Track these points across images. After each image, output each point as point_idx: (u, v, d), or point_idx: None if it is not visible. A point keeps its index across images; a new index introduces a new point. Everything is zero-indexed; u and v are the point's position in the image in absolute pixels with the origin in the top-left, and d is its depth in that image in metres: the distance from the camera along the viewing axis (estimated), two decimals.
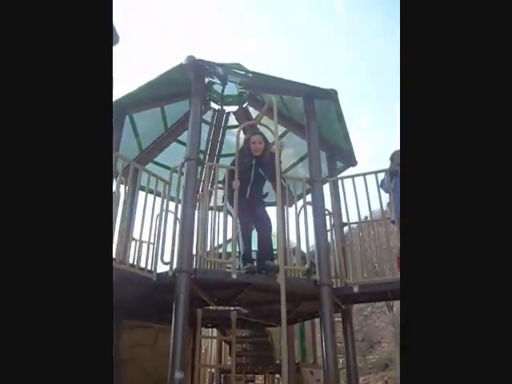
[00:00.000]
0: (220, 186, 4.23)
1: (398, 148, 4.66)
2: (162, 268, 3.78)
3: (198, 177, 5.03)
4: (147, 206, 3.94)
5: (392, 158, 4.66)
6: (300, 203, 4.26)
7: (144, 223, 3.86)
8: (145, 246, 4.19)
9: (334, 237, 4.46)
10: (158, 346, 4.27)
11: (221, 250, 4.53)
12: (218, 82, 5.33)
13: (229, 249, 4.14)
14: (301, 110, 4.78)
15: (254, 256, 4.13)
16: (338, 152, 5.50)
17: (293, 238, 4.26)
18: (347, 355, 4.66)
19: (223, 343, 6.79)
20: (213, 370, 6.76)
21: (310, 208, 4.18)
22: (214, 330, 6.26)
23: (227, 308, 4.92)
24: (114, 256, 3.24)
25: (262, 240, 4.10)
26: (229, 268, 4.16)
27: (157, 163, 6.00)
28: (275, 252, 4.24)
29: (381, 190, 4.27)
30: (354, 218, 4.37)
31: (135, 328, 4.20)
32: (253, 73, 4.49)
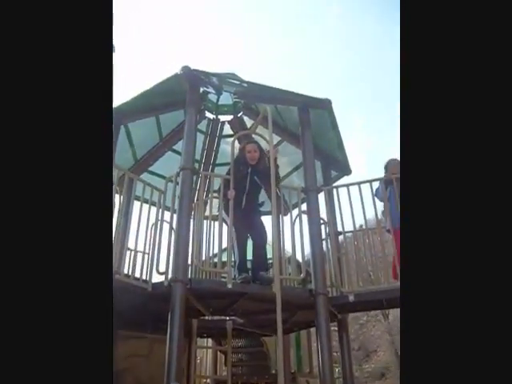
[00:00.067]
0: (215, 195, 4.23)
1: (393, 157, 4.71)
2: (157, 278, 3.77)
3: (193, 186, 5.02)
4: (142, 215, 3.93)
5: (386, 167, 4.69)
6: (295, 212, 4.27)
7: (139, 233, 3.85)
8: (140, 255, 4.17)
9: (329, 246, 4.46)
10: (153, 356, 4.23)
11: (216, 260, 4.52)
12: (213, 91, 5.35)
13: (224, 258, 4.14)
14: (295, 119, 4.80)
15: (249, 265, 4.12)
16: (332, 161, 5.53)
17: (288, 247, 4.27)
18: (343, 364, 4.65)
19: (219, 353, 6.74)
20: (208, 380, 6.70)
21: (305, 217, 4.19)
22: (209, 339, 6.23)
23: (222, 318, 4.90)
24: None
25: (257, 251, 4.10)
26: (224, 277, 4.15)
27: (152, 172, 6.00)
28: (270, 261, 4.24)
29: (376, 198, 4.29)
30: (349, 227, 4.39)
31: (130, 338, 4.16)
32: (247, 82, 4.52)
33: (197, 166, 5.95)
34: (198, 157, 6.01)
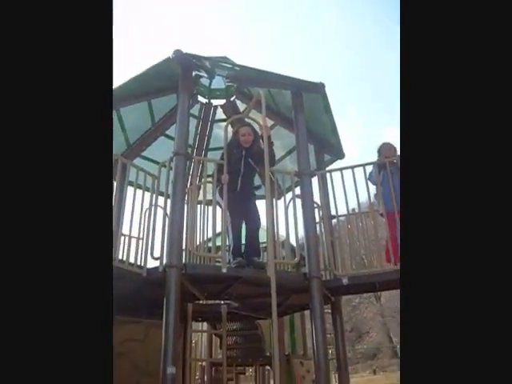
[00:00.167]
0: (209, 179, 4.22)
1: (386, 141, 4.71)
2: (151, 263, 3.78)
3: (187, 171, 5.01)
4: (136, 201, 3.92)
5: (380, 151, 4.70)
6: (289, 196, 4.28)
7: (133, 218, 3.84)
8: (134, 241, 4.17)
9: (322, 229, 4.48)
10: (149, 340, 4.26)
11: (210, 244, 4.54)
12: (205, 75, 5.30)
13: (218, 242, 4.14)
14: (288, 103, 4.77)
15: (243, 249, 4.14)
16: (325, 145, 5.52)
17: (282, 231, 4.29)
18: (337, 346, 4.72)
19: (214, 337, 6.81)
20: (204, 363, 6.78)
21: (298, 201, 4.20)
22: (205, 323, 6.29)
23: (217, 302, 4.94)
24: None
25: (250, 237, 4.11)
26: (219, 262, 4.17)
27: (144, 157, 5.97)
28: (264, 245, 4.25)
29: (369, 182, 4.30)
30: (342, 211, 4.41)
31: (126, 323, 4.18)
32: (240, 66, 4.47)
33: (190, 150, 5.92)
34: (190, 141, 5.97)
